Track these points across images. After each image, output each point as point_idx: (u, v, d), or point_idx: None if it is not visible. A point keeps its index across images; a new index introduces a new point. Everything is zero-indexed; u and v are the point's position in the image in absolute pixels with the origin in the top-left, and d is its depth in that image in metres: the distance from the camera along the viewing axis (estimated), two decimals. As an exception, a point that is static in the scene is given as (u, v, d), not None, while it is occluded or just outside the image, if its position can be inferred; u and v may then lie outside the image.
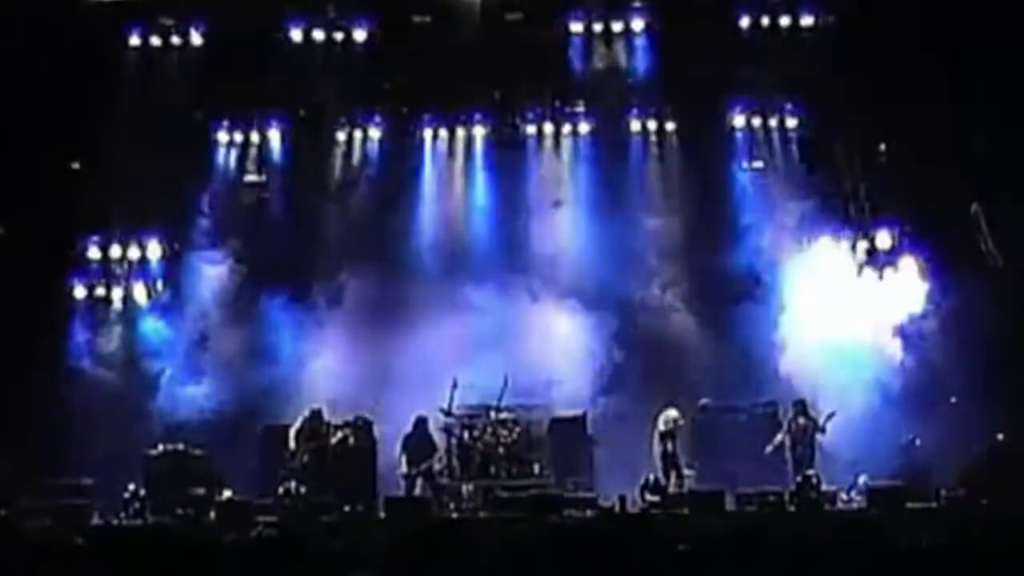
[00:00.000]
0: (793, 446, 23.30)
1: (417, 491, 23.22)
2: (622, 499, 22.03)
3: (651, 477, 22.95)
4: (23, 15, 23.86)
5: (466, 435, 24.02)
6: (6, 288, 23.92)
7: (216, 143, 26.15)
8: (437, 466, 23.53)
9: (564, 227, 25.93)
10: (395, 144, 26.32)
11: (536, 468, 24.09)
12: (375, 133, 26.22)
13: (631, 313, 25.25)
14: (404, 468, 23.20)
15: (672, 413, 23.67)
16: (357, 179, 26.13)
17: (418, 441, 23.36)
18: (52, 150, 24.65)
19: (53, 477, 22.92)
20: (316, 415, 23.39)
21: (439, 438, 23.82)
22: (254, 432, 24.54)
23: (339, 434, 23.43)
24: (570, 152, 26.26)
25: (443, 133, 26.38)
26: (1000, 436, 23.04)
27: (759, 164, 25.99)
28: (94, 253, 25.58)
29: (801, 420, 23.35)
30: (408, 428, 23.44)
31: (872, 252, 24.96)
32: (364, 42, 25.56)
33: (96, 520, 21.95)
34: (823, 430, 23.21)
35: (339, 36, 25.58)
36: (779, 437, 23.38)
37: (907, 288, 24.43)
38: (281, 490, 22.78)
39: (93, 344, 25.12)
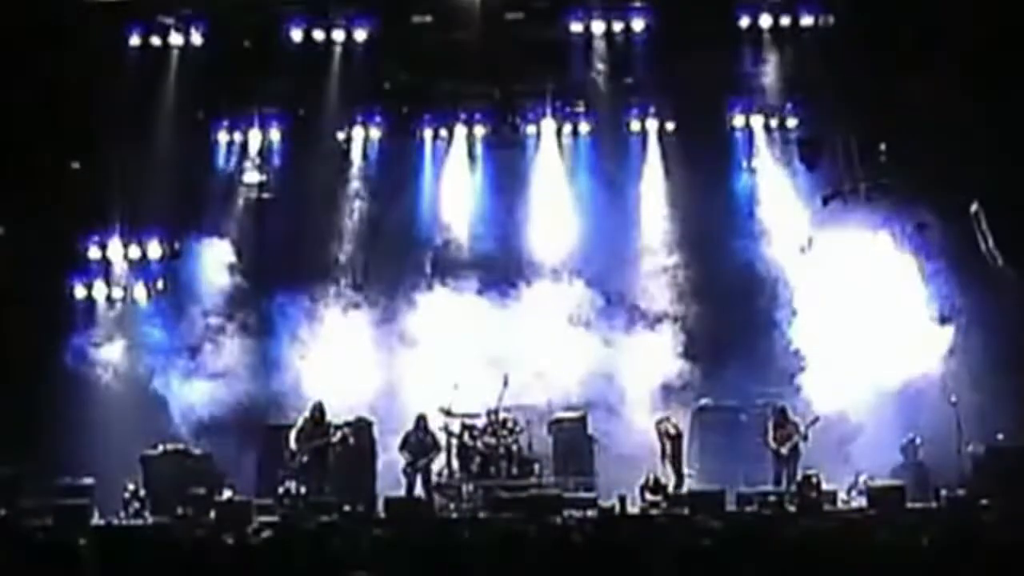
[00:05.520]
0: (777, 450, 23.30)
1: (417, 490, 23.25)
2: (622, 499, 22.06)
3: (651, 477, 22.97)
4: (23, 15, 23.85)
5: (466, 435, 24.03)
6: (6, 288, 23.93)
7: (216, 143, 26.15)
8: (435, 465, 23.55)
9: (562, 227, 25.93)
10: (395, 144, 26.33)
11: (536, 468, 24.09)
12: (375, 133, 26.23)
13: (631, 313, 25.23)
14: (403, 463, 23.24)
15: (666, 415, 23.67)
16: (356, 179, 26.15)
17: (419, 439, 23.39)
18: (52, 150, 24.65)
19: (53, 477, 22.94)
20: (316, 414, 23.39)
21: (441, 437, 23.84)
22: (254, 432, 24.55)
23: (339, 434, 23.43)
24: (570, 152, 26.29)
25: (443, 133, 26.39)
26: (1000, 436, 23.06)
27: (759, 164, 25.99)
28: (94, 253, 25.58)
29: (786, 428, 23.34)
30: (410, 426, 23.48)
31: (871, 252, 24.95)
32: (364, 42, 25.56)
33: (96, 520, 21.95)
34: (805, 437, 23.19)
35: (339, 36, 25.57)
36: (770, 442, 23.41)
37: (906, 288, 24.45)
38: (281, 490, 22.80)
39: (93, 344, 25.08)
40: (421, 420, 23.51)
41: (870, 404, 23.77)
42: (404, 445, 23.36)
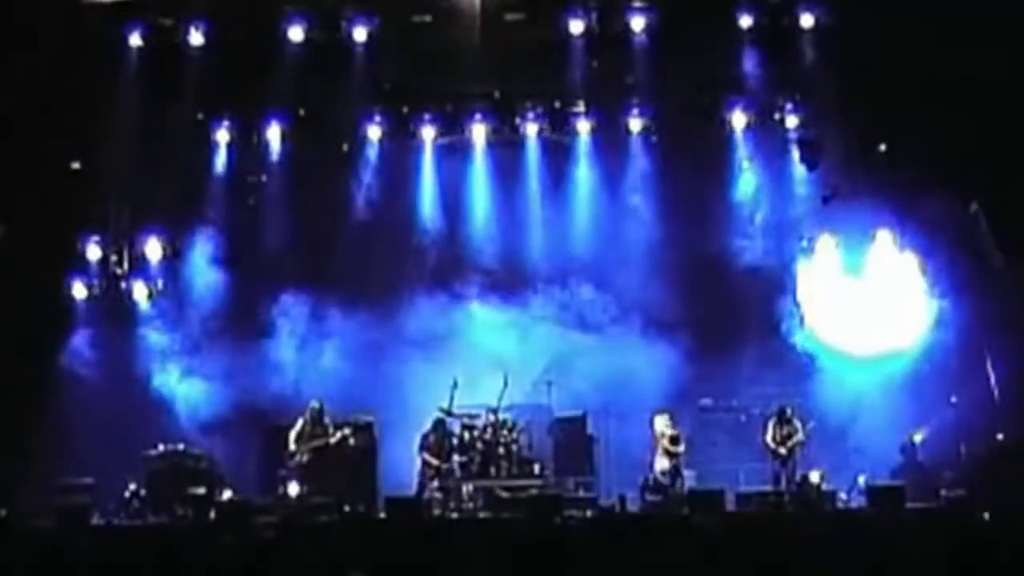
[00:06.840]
0: (776, 450, 23.30)
1: (426, 493, 23.24)
2: (622, 499, 22.05)
3: (651, 477, 22.97)
4: (23, 15, 23.87)
5: (466, 435, 24.02)
6: (6, 288, 23.95)
7: (216, 143, 26.15)
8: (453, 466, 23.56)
9: (562, 228, 25.94)
10: (395, 144, 26.33)
11: (536, 468, 24.09)
12: (375, 133, 26.22)
13: (632, 313, 25.23)
14: (420, 464, 23.26)
15: (664, 418, 23.65)
16: (356, 179, 26.16)
17: (437, 441, 23.42)
18: (52, 150, 24.67)
19: (53, 477, 22.94)
20: (316, 414, 23.41)
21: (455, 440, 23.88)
22: (254, 432, 24.55)
23: (339, 434, 23.44)
24: (570, 152, 26.29)
25: (443, 133, 26.38)
26: (1000, 436, 23.07)
27: (759, 164, 25.99)
28: (94, 253, 25.59)
29: (785, 428, 23.34)
30: (427, 427, 23.50)
31: (872, 251, 24.96)
32: (364, 42, 25.56)
33: (96, 520, 21.95)
34: (805, 437, 23.16)
35: (339, 36, 25.58)
36: (770, 442, 23.41)
37: (906, 287, 24.46)
38: (281, 490, 22.80)
39: (93, 344, 25.08)
40: (439, 424, 23.52)
41: (870, 404, 23.79)
42: (423, 447, 23.37)
